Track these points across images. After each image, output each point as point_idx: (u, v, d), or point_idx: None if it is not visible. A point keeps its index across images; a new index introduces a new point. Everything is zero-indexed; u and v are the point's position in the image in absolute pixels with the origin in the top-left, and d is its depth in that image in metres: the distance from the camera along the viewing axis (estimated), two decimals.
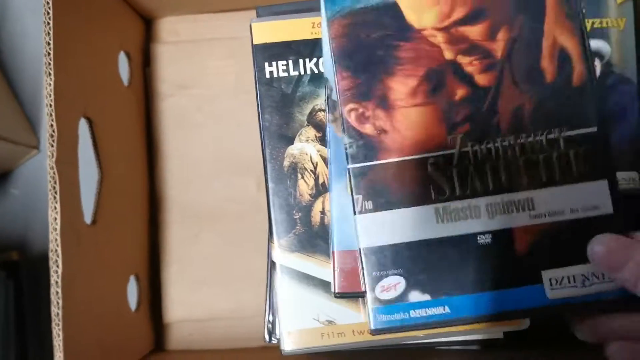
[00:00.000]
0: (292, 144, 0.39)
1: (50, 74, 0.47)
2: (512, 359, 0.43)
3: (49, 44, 0.47)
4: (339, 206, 0.37)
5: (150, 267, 0.65)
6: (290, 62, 0.39)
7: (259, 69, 0.39)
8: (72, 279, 0.48)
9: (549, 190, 0.36)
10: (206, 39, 0.67)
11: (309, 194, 0.38)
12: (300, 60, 0.39)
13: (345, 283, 0.37)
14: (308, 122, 0.39)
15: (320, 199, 0.38)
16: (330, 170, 0.37)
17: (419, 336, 0.38)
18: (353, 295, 0.38)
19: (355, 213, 0.35)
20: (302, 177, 0.38)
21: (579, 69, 0.38)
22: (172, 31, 0.68)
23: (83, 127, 0.53)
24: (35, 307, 0.66)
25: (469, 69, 0.36)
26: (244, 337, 0.63)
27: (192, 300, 0.64)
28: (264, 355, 0.59)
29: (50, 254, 0.47)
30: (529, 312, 0.37)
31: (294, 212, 0.38)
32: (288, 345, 0.38)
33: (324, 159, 0.39)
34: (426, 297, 0.36)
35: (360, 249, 0.36)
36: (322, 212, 0.38)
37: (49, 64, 0.47)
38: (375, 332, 0.36)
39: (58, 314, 0.46)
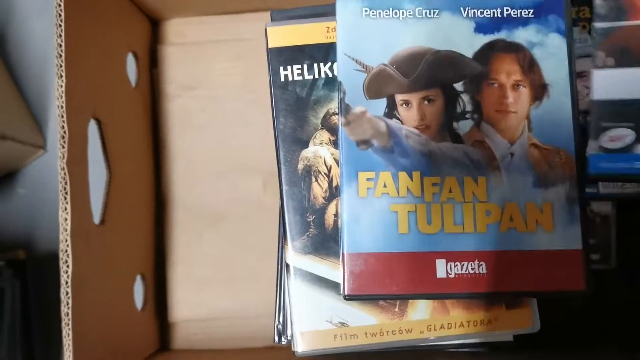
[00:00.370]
0: (307, 147, 0.39)
1: (61, 75, 0.48)
2: None
3: (60, 45, 0.48)
4: (350, 209, 0.37)
5: (156, 266, 0.65)
6: (305, 66, 0.39)
7: (274, 73, 0.39)
8: (82, 279, 0.48)
9: None
10: (212, 40, 0.67)
11: (323, 197, 0.39)
12: (315, 64, 0.39)
13: (355, 285, 0.37)
14: (322, 126, 0.39)
15: (333, 202, 0.38)
16: (341, 172, 0.38)
17: (430, 338, 0.38)
18: (363, 297, 0.38)
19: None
20: (316, 180, 0.39)
21: None
22: (179, 33, 0.68)
23: (92, 127, 0.53)
24: (42, 305, 0.66)
25: None
26: (248, 337, 0.64)
27: (197, 300, 0.64)
28: (269, 355, 0.60)
29: (61, 254, 0.47)
30: None
31: (308, 214, 0.39)
32: (301, 346, 0.39)
33: (338, 162, 0.39)
34: None
35: (591, 100, 0.37)
36: (336, 215, 0.39)
37: (61, 65, 0.48)
38: (592, 175, 0.38)
39: (68, 313, 0.46)
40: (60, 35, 0.48)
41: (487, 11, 0.41)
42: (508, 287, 0.39)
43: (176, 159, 0.66)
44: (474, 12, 0.41)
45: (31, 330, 0.64)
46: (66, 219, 0.48)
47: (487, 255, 0.39)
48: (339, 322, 0.38)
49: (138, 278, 0.61)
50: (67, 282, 0.47)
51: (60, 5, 0.48)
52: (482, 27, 0.41)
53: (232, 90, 0.66)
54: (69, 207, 0.48)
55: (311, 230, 0.38)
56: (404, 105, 0.40)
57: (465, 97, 0.41)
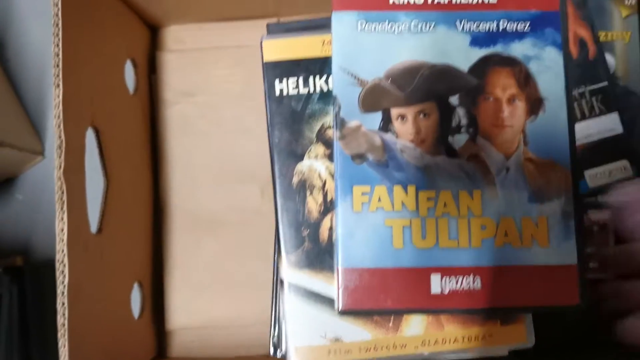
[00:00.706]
0: (302, 160, 0.39)
1: (59, 85, 0.47)
2: None
3: (57, 55, 0.48)
4: (344, 223, 0.37)
5: (153, 273, 0.65)
6: (300, 79, 0.39)
7: (270, 86, 0.39)
8: (78, 289, 0.48)
9: None
10: (211, 47, 0.67)
11: (318, 211, 0.39)
12: (310, 78, 0.39)
13: (349, 301, 0.37)
14: (317, 139, 0.39)
15: (328, 216, 0.38)
16: (336, 187, 0.37)
17: (425, 353, 0.38)
18: (357, 312, 0.38)
19: None
20: (311, 194, 0.39)
21: (592, 49, 0.50)
22: (178, 39, 0.68)
23: (89, 135, 0.53)
24: (39, 311, 0.66)
25: None
26: (245, 345, 0.63)
27: (194, 307, 0.64)
28: None
29: (57, 264, 0.47)
30: None
31: (303, 228, 0.39)
32: None
33: (333, 176, 0.39)
34: None
35: None
36: (331, 229, 0.38)
37: (58, 75, 0.48)
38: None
39: (64, 324, 0.46)
40: (58, 45, 0.48)
41: (483, 25, 0.41)
42: (503, 302, 0.39)
43: (174, 166, 0.66)
44: (470, 25, 0.41)
45: (29, 336, 0.64)
46: (63, 229, 0.48)
47: (482, 270, 0.39)
48: (333, 338, 0.38)
49: (135, 285, 0.61)
50: (63, 293, 0.47)
51: (57, 14, 0.48)
52: (478, 40, 0.41)
53: (231, 97, 0.66)
54: (65, 217, 0.48)
55: (306, 244, 0.38)
56: (399, 119, 0.40)
57: (460, 111, 0.40)
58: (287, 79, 0.39)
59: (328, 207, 0.39)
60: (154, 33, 0.69)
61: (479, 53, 0.41)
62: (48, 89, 0.69)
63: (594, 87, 0.53)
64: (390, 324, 0.39)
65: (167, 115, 0.66)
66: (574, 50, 0.52)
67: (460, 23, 0.41)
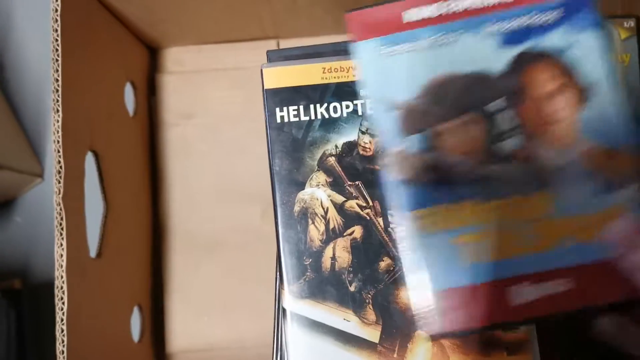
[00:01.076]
0: (303, 189, 0.38)
1: (58, 110, 0.47)
2: None
3: (57, 80, 0.47)
4: (413, 250, 0.36)
5: (153, 296, 0.65)
6: (301, 107, 0.39)
7: (270, 114, 0.39)
8: (77, 315, 0.48)
9: None
10: (211, 69, 0.67)
11: (320, 240, 0.38)
12: (311, 106, 0.39)
13: (434, 326, 0.35)
14: (319, 167, 0.39)
15: (330, 245, 0.38)
16: (394, 217, 0.36)
17: None
18: (444, 335, 0.36)
19: None
20: (313, 223, 0.38)
21: None
22: (177, 61, 0.68)
23: (89, 159, 0.53)
24: (37, 335, 0.65)
25: None
26: None
27: (194, 330, 0.64)
28: None
29: (56, 291, 0.47)
30: None
31: (305, 257, 0.38)
32: None
33: (335, 204, 0.38)
34: None
35: None
36: (333, 258, 0.38)
37: (57, 100, 0.47)
38: None
39: (63, 351, 0.46)
40: (57, 70, 0.48)
41: (509, 23, 0.39)
42: (588, 301, 0.36)
43: (174, 188, 0.66)
44: (496, 27, 0.39)
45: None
46: (62, 255, 0.47)
47: (562, 272, 0.37)
48: None
49: (135, 309, 0.60)
50: (62, 319, 0.47)
51: (57, 39, 0.48)
52: (507, 40, 0.39)
53: (231, 118, 0.66)
54: (64, 242, 0.47)
55: (308, 274, 0.38)
56: (443, 135, 0.38)
57: (505, 116, 0.38)
58: (288, 107, 0.39)
59: (330, 235, 0.38)
60: (153, 55, 0.69)
61: (511, 53, 0.38)
62: (47, 110, 0.69)
63: None
64: (395, 355, 0.38)
65: (167, 137, 0.66)
66: None
67: (485, 26, 0.39)
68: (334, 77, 0.39)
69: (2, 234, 0.68)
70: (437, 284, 0.36)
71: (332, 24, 0.65)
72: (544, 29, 0.38)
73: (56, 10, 0.48)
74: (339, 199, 0.39)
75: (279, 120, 0.38)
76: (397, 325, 0.38)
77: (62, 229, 0.47)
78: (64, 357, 0.46)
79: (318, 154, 0.38)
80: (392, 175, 0.36)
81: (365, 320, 0.38)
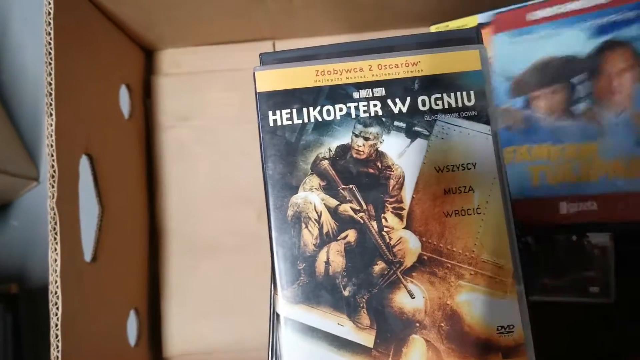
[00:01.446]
0: (297, 192, 0.38)
1: (51, 114, 0.47)
2: None
3: (50, 84, 0.47)
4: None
5: (150, 300, 0.64)
6: (294, 110, 0.38)
7: (263, 117, 0.38)
8: (72, 320, 0.48)
9: None
10: (207, 70, 0.67)
11: (313, 244, 0.38)
12: (304, 109, 0.38)
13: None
14: (312, 171, 0.38)
15: (324, 249, 0.37)
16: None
17: None
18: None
19: None
20: (306, 227, 0.38)
21: None
22: (173, 63, 0.68)
23: (84, 162, 0.52)
24: (34, 339, 0.65)
25: None
26: None
27: (192, 333, 0.63)
28: None
29: (50, 296, 0.46)
30: None
31: (298, 262, 0.38)
32: None
33: (328, 208, 0.38)
34: None
35: None
36: (327, 263, 0.37)
37: (51, 104, 0.47)
38: None
39: (58, 357, 0.46)
40: (50, 74, 0.47)
41: (596, 21, 0.53)
42: (614, 218, 0.51)
43: (170, 190, 0.66)
44: (588, 24, 0.54)
45: None
46: (56, 260, 0.47)
47: (599, 197, 0.52)
48: None
49: (132, 313, 0.60)
50: (56, 325, 0.46)
51: (50, 42, 0.47)
52: (594, 33, 0.53)
53: (227, 120, 0.66)
54: (58, 247, 0.47)
55: (301, 278, 0.37)
56: (536, 99, 0.54)
57: (581, 87, 0.53)
58: (281, 110, 0.38)
59: (324, 239, 0.38)
60: (149, 57, 0.68)
61: (595, 43, 0.53)
62: (43, 114, 0.68)
63: None
64: (390, 359, 0.38)
65: (163, 140, 0.66)
66: None
67: (580, 24, 0.54)
68: (328, 80, 0.39)
69: None
70: (515, 194, 0.49)
71: (329, 25, 0.64)
72: (623, 24, 0.53)
73: (49, 13, 0.47)
74: (333, 202, 0.38)
75: (271, 124, 0.38)
76: (391, 329, 0.38)
77: (56, 233, 0.47)
78: None
79: (311, 158, 0.38)
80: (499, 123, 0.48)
81: (359, 325, 0.37)
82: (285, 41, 0.67)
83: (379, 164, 0.39)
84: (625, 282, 0.55)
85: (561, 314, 0.55)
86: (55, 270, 0.47)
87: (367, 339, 0.37)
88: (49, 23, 0.48)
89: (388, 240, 0.38)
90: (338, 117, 0.39)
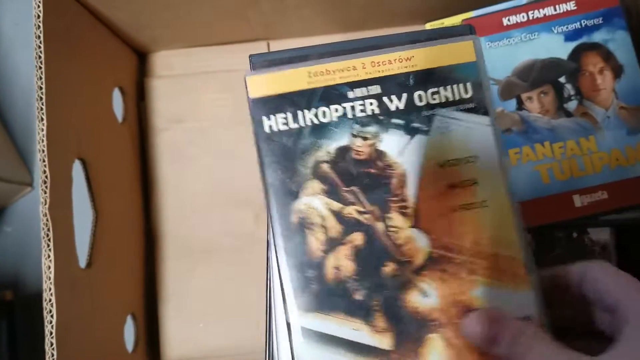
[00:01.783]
0: (299, 198, 0.37)
1: (42, 119, 0.46)
2: None
3: (41, 88, 0.46)
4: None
5: (147, 304, 0.64)
6: (289, 114, 0.38)
7: (257, 124, 0.37)
8: (67, 327, 0.47)
9: None
10: (200, 72, 0.66)
11: (320, 250, 0.37)
12: (299, 112, 0.38)
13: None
14: (312, 175, 0.37)
15: (332, 254, 0.37)
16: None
17: None
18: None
19: None
20: (312, 233, 0.37)
21: None
22: (167, 65, 0.67)
23: (77, 167, 0.52)
24: (30, 346, 0.64)
25: None
26: None
27: (190, 337, 0.63)
28: None
29: (45, 304, 0.46)
30: None
31: (306, 269, 0.37)
32: None
33: (332, 212, 0.37)
34: None
35: None
36: (336, 268, 0.37)
37: (42, 108, 0.46)
38: None
39: None
40: (41, 78, 0.47)
41: (570, 25, 0.58)
42: (625, 203, 0.56)
43: (165, 193, 0.65)
44: (562, 28, 0.58)
45: None
46: (50, 267, 0.46)
47: (606, 186, 0.56)
48: None
49: (128, 318, 0.59)
50: (51, 333, 0.46)
51: (39, 46, 0.47)
52: (569, 37, 0.58)
53: (222, 121, 0.65)
54: (52, 254, 0.46)
55: (312, 286, 0.36)
56: (527, 100, 0.57)
57: (568, 86, 0.58)
58: (276, 115, 0.37)
59: (331, 244, 0.37)
60: (142, 59, 0.68)
61: (572, 45, 0.58)
62: (36, 119, 0.68)
63: None
64: None
65: (157, 142, 0.65)
66: None
67: (555, 28, 0.58)
68: (321, 81, 0.38)
69: None
70: (526, 196, 0.56)
71: (322, 24, 0.64)
72: (592, 29, 0.58)
73: (38, 16, 0.47)
74: (337, 206, 0.37)
75: (267, 130, 0.37)
76: (408, 330, 0.37)
77: (49, 240, 0.46)
78: None
79: (311, 162, 0.37)
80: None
81: (375, 328, 0.36)
82: (280, 41, 0.67)
83: (379, 163, 0.39)
84: None
85: None
86: (49, 278, 0.46)
87: (385, 342, 0.36)
88: (39, 26, 0.47)
89: (396, 240, 0.37)
90: (334, 119, 0.38)
